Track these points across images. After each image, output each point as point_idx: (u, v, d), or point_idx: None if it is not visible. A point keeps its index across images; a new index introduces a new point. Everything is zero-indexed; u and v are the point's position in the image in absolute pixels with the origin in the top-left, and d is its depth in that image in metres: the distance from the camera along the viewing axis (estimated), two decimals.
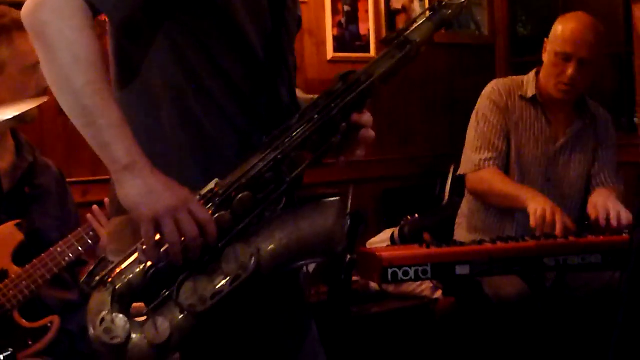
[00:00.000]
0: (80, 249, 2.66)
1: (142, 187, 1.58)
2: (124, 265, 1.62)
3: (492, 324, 3.28)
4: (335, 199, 1.73)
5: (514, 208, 3.31)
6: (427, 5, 4.91)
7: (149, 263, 1.61)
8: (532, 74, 3.55)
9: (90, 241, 2.69)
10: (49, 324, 2.62)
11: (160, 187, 1.59)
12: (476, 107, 3.58)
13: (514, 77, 3.62)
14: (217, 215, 1.62)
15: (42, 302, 2.66)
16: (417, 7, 4.91)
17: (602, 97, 4.78)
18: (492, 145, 3.47)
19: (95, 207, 2.72)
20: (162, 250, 1.59)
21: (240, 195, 1.65)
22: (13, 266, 2.61)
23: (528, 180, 3.45)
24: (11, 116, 2.32)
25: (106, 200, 2.60)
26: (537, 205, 3.11)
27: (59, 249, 2.63)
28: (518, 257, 2.98)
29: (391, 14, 4.79)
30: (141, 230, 1.59)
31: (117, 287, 1.60)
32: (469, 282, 3.22)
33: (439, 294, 3.88)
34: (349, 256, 2.67)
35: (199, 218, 1.59)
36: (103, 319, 1.57)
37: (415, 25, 1.79)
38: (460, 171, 3.55)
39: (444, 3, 1.80)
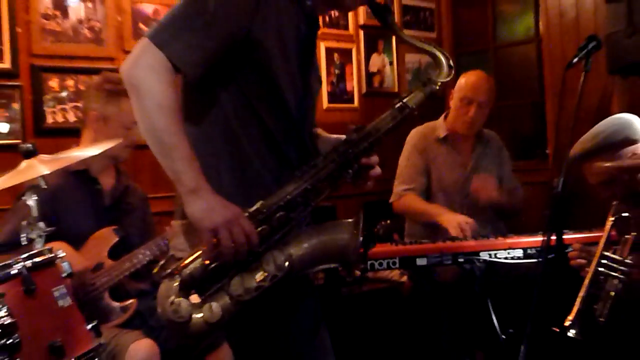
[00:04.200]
0: (157, 252, 2.70)
1: (204, 206, 1.56)
2: (187, 262, 1.61)
3: (441, 301, 3.34)
4: (350, 220, 1.68)
5: (430, 222, 3.32)
6: (396, 71, 4.92)
7: (207, 261, 1.60)
8: (441, 119, 3.56)
9: (164, 248, 2.70)
10: (129, 305, 2.67)
11: (218, 206, 1.57)
12: (403, 151, 3.57)
13: (428, 123, 3.59)
14: (260, 228, 1.61)
15: (124, 289, 2.70)
16: (388, 71, 4.88)
17: (522, 133, 4.86)
18: (411, 179, 3.47)
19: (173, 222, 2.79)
20: (218, 252, 1.58)
21: (277, 214, 1.63)
22: (108, 260, 2.66)
23: (451, 199, 3.47)
24: (98, 152, 2.34)
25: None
26: (449, 218, 3.19)
27: (140, 251, 2.68)
28: (462, 252, 2.97)
29: (369, 75, 4.78)
30: (203, 238, 1.57)
31: (182, 278, 1.60)
32: (426, 270, 3.23)
33: (404, 278, 3.85)
34: (362, 265, 2.67)
35: (246, 230, 1.57)
36: (172, 302, 1.58)
37: (412, 94, 1.78)
38: (390, 200, 3.54)
39: (432, 79, 1.79)
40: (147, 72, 1.56)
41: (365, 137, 1.74)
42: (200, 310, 1.60)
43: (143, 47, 1.58)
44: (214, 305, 1.60)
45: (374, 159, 1.79)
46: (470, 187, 3.42)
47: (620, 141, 2.42)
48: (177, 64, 1.57)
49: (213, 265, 1.61)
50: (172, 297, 1.59)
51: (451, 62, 1.82)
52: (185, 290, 1.61)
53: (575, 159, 2.46)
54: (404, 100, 1.77)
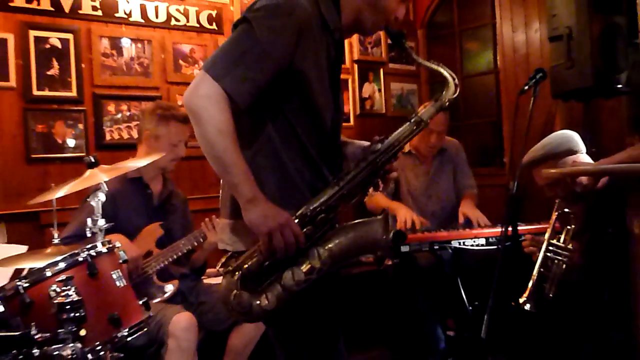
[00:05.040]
0: (195, 243, 2.72)
1: (260, 213, 1.48)
2: (245, 259, 1.54)
3: (420, 279, 3.31)
4: (379, 217, 1.57)
5: (392, 216, 3.18)
6: (383, 97, 4.84)
7: (263, 259, 1.52)
8: None
9: (201, 239, 2.74)
10: (172, 285, 2.67)
11: (271, 213, 1.48)
12: None
13: None
14: (305, 229, 1.52)
15: (168, 272, 2.71)
16: (377, 97, 4.80)
17: (484, 145, 4.80)
18: None
19: (207, 219, 2.76)
20: (272, 251, 1.50)
21: (319, 216, 1.54)
22: (156, 249, 2.66)
23: (417, 200, 3.44)
24: (142, 164, 2.33)
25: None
26: (402, 213, 3.18)
27: (181, 242, 2.69)
28: (437, 241, 3.01)
29: (362, 100, 4.71)
30: (260, 240, 1.49)
31: (242, 273, 1.52)
32: (408, 256, 3.19)
33: (390, 262, 3.80)
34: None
35: (295, 231, 1.49)
36: (234, 295, 1.51)
37: (425, 109, 1.68)
38: (364, 199, 3.34)
39: (442, 96, 1.68)
40: (205, 101, 1.46)
41: (389, 147, 1.65)
42: (258, 299, 1.52)
43: (201, 79, 1.48)
44: (269, 295, 1.52)
45: (395, 165, 1.70)
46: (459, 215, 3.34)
47: (563, 152, 2.41)
48: (231, 94, 1.47)
49: (267, 262, 1.53)
50: (235, 291, 1.52)
51: (457, 81, 1.69)
52: (244, 283, 1.52)
53: (526, 165, 2.45)
54: (419, 114, 1.68)
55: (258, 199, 1.49)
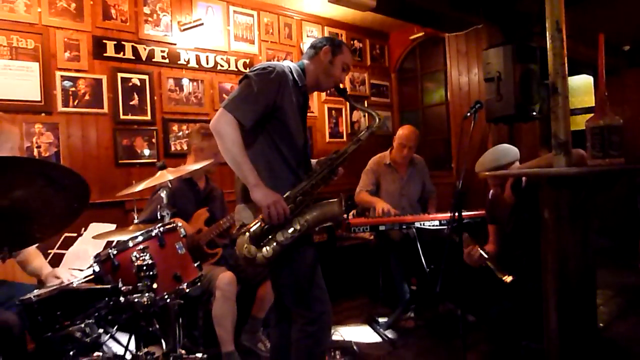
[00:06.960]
0: (232, 221, 2.64)
1: (262, 193, 1.61)
2: (252, 225, 1.64)
3: (392, 250, 3.28)
4: (337, 199, 1.72)
5: (372, 207, 3.24)
6: (367, 123, 4.79)
7: (263, 224, 1.63)
8: (387, 152, 3.45)
9: (234, 220, 2.64)
10: (217, 252, 2.66)
11: (269, 194, 1.61)
12: (365, 169, 3.47)
13: (380, 154, 3.46)
14: (290, 205, 1.65)
15: (214, 242, 2.67)
16: (362, 121, 4.71)
17: (438, 155, 4.75)
18: (365, 185, 3.38)
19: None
20: (269, 218, 1.61)
21: (298, 198, 1.67)
22: (204, 227, 2.62)
23: (392, 198, 3.33)
24: (196, 168, 2.27)
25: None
26: (380, 206, 3.12)
27: (221, 222, 2.64)
28: (405, 222, 2.96)
29: (352, 123, 4.66)
30: (262, 211, 1.61)
31: (250, 234, 1.63)
32: (384, 233, 3.16)
33: (372, 237, 3.68)
34: (345, 221, 2.64)
35: (284, 206, 1.62)
36: (245, 248, 1.62)
37: (362, 132, 1.81)
38: (355, 197, 3.41)
39: (371, 125, 1.81)
40: (224, 125, 1.62)
41: (339, 155, 1.78)
42: (261, 251, 1.62)
43: (221, 112, 1.65)
44: (268, 248, 1.63)
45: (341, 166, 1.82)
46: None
47: (511, 162, 2.37)
48: (240, 120, 1.64)
49: (266, 227, 1.63)
50: (246, 245, 1.62)
51: (380, 116, 1.82)
52: (252, 240, 1.63)
53: (490, 170, 2.32)
54: (359, 135, 1.81)
55: (260, 184, 1.63)
